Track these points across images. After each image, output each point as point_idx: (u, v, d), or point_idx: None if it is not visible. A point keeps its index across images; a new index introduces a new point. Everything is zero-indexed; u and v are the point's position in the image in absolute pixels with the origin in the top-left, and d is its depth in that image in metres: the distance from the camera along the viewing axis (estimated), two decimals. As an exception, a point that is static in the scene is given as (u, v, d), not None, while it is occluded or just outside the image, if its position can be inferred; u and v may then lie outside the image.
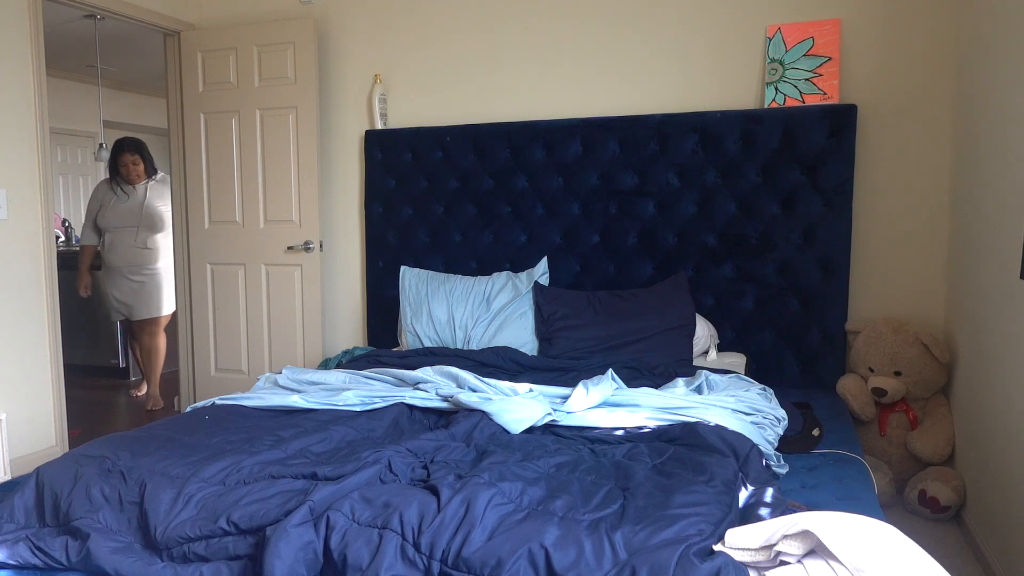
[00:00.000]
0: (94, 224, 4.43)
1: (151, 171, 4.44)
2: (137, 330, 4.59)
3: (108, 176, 4.45)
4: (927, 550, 2.33)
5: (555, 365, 2.82)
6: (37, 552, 1.56)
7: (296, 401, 2.27)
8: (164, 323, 4.59)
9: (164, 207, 4.42)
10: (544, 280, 3.33)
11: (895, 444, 2.91)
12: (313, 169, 3.71)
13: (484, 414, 2.04)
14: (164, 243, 4.48)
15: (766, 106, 3.11)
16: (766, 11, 3.14)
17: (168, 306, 4.55)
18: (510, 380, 2.51)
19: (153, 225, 4.42)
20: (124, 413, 4.54)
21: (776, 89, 3.09)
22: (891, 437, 2.91)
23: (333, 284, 3.91)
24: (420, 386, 2.35)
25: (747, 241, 3.13)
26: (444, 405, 2.20)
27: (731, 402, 2.14)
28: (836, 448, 2.22)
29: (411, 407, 2.22)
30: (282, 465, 1.70)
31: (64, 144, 7.04)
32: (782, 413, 2.19)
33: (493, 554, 1.31)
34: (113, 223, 4.37)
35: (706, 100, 3.24)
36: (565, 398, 2.19)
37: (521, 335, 3.12)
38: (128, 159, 4.34)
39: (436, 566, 1.34)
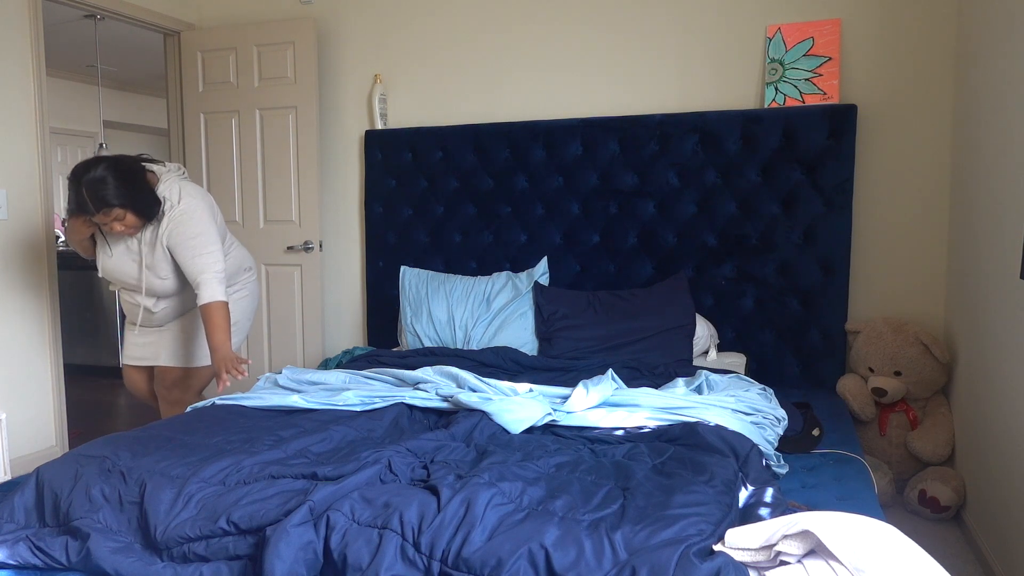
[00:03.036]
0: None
1: (150, 211, 2.54)
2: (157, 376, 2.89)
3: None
4: (927, 550, 2.33)
5: (555, 365, 2.82)
6: (37, 552, 1.56)
7: (296, 401, 2.27)
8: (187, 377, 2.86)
9: (184, 249, 2.57)
10: (544, 280, 3.33)
11: (895, 444, 2.91)
12: (313, 169, 3.71)
13: (484, 414, 2.03)
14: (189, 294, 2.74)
15: (766, 106, 3.11)
16: (766, 11, 3.14)
17: (197, 357, 2.84)
18: (510, 380, 2.51)
19: (164, 290, 2.68)
20: (124, 413, 4.54)
21: (776, 89, 3.09)
22: (891, 437, 2.91)
23: (333, 284, 3.91)
24: (420, 386, 2.35)
25: (747, 241, 3.13)
26: (444, 405, 2.20)
27: (731, 402, 2.14)
28: (836, 448, 2.22)
29: (411, 407, 2.22)
30: (282, 465, 1.70)
31: (64, 144, 7.04)
32: (782, 413, 2.18)
33: (493, 554, 1.31)
34: (111, 275, 2.71)
35: (706, 100, 3.24)
36: (565, 398, 2.19)
37: (521, 335, 3.12)
38: (102, 220, 2.48)
39: (436, 566, 1.33)
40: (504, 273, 3.36)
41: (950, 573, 1.23)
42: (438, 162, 3.56)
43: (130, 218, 2.51)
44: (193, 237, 2.56)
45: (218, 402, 2.32)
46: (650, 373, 2.67)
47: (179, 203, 2.57)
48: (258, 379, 2.59)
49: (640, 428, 2.02)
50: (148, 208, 2.54)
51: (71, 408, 4.17)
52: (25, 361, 3.27)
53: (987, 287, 2.42)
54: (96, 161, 2.48)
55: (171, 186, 2.60)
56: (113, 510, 1.61)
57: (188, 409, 2.31)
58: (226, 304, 2.57)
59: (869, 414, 2.88)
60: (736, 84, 3.20)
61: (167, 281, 2.66)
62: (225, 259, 2.68)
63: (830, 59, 3.02)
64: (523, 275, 3.33)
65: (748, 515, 1.51)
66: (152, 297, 2.70)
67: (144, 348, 2.83)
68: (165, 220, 2.57)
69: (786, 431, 2.18)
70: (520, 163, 3.43)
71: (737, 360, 3.05)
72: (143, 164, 2.61)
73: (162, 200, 2.57)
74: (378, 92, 3.67)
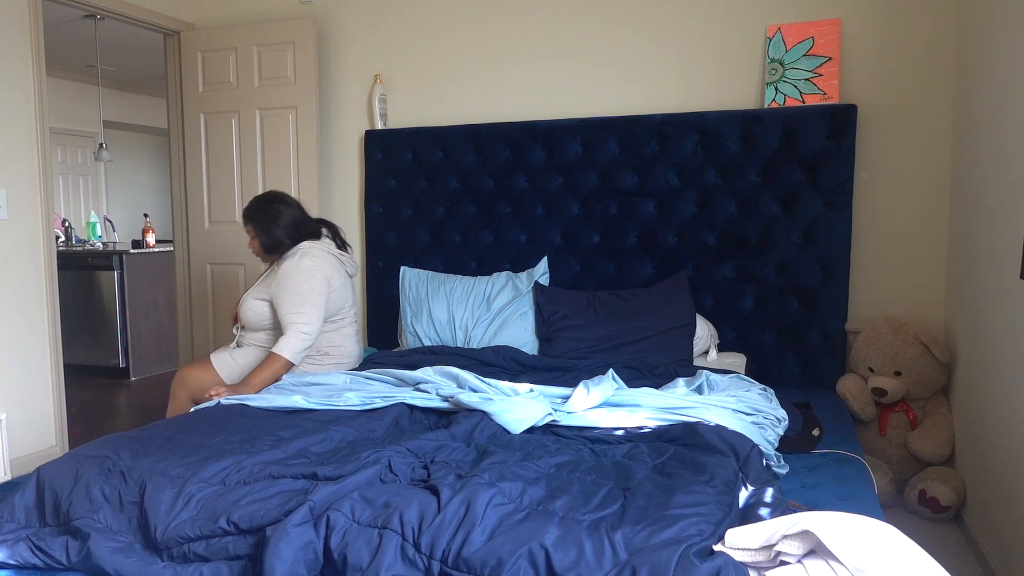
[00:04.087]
0: None
1: (274, 245, 2.77)
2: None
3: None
4: (927, 550, 2.33)
5: (555, 365, 2.82)
6: (37, 552, 1.56)
7: (298, 401, 2.27)
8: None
9: (284, 301, 2.67)
10: (544, 280, 3.33)
11: (895, 444, 2.91)
12: (313, 169, 3.71)
13: (485, 414, 2.03)
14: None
15: (766, 106, 3.11)
16: (766, 11, 3.14)
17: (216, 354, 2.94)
18: (511, 380, 2.51)
19: (244, 319, 2.85)
20: (124, 413, 4.54)
21: (776, 89, 3.09)
22: (891, 437, 2.91)
23: (333, 284, 3.90)
24: (420, 386, 2.35)
25: (747, 241, 3.13)
26: (445, 405, 2.20)
27: (732, 402, 2.14)
28: (836, 448, 2.22)
29: (411, 407, 2.22)
30: (282, 465, 1.70)
31: (64, 144, 7.04)
32: (782, 413, 2.18)
33: (493, 554, 1.31)
34: None
35: (706, 100, 3.24)
36: (566, 398, 2.19)
37: (521, 335, 3.11)
38: (246, 229, 2.83)
39: (436, 566, 1.33)
40: (504, 273, 3.36)
41: (950, 573, 1.23)
42: (438, 162, 3.56)
43: (255, 243, 2.79)
44: (296, 293, 2.65)
45: (223, 402, 2.32)
46: (650, 373, 2.67)
47: (299, 258, 2.71)
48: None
49: (640, 428, 2.02)
50: (271, 241, 2.75)
51: (71, 408, 4.17)
52: (25, 361, 3.27)
53: (987, 287, 2.42)
54: (276, 192, 2.89)
55: (311, 248, 2.76)
56: (113, 510, 1.61)
57: (191, 409, 2.32)
58: (289, 364, 2.64)
59: (869, 414, 2.88)
60: (736, 84, 3.20)
61: (250, 313, 2.80)
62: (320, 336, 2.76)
63: (830, 59, 3.02)
64: (523, 275, 3.33)
65: (748, 515, 1.51)
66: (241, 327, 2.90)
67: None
68: (281, 266, 2.72)
69: (786, 431, 2.18)
70: (520, 163, 3.43)
71: (737, 360, 3.05)
72: (317, 222, 2.91)
73: (292, 251, 2.75)
74: (378, 92, 3.67)
